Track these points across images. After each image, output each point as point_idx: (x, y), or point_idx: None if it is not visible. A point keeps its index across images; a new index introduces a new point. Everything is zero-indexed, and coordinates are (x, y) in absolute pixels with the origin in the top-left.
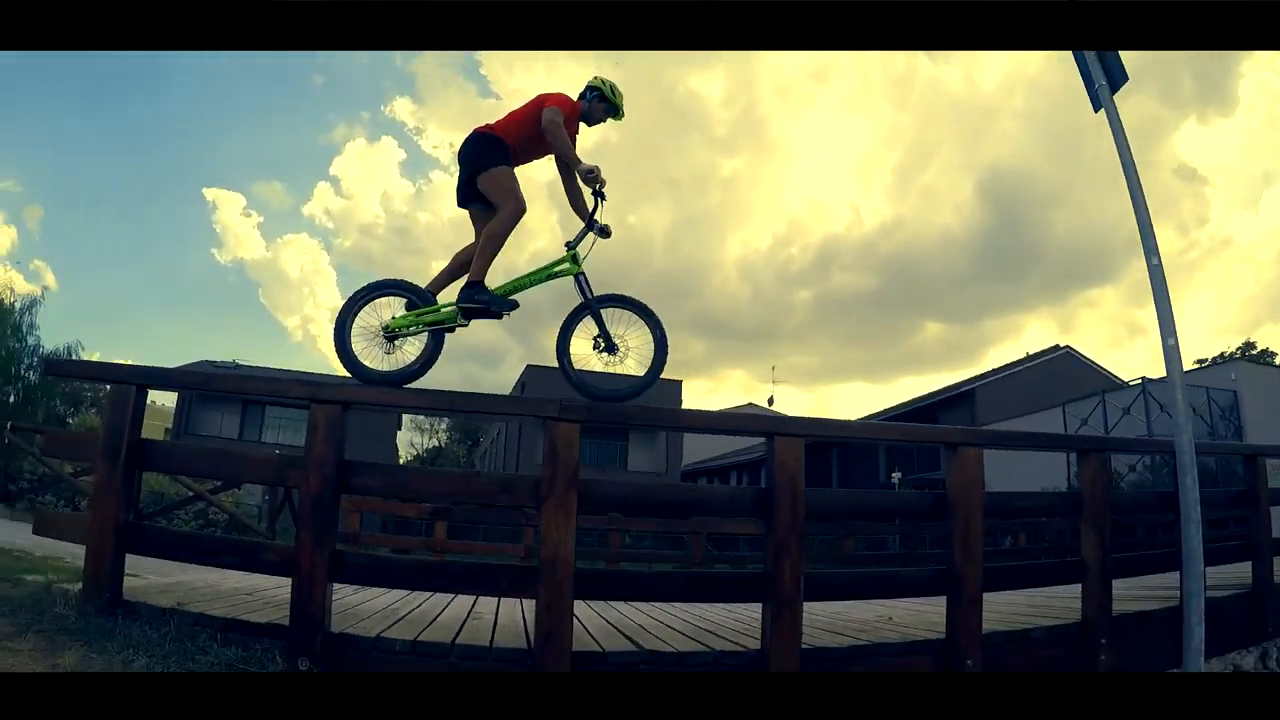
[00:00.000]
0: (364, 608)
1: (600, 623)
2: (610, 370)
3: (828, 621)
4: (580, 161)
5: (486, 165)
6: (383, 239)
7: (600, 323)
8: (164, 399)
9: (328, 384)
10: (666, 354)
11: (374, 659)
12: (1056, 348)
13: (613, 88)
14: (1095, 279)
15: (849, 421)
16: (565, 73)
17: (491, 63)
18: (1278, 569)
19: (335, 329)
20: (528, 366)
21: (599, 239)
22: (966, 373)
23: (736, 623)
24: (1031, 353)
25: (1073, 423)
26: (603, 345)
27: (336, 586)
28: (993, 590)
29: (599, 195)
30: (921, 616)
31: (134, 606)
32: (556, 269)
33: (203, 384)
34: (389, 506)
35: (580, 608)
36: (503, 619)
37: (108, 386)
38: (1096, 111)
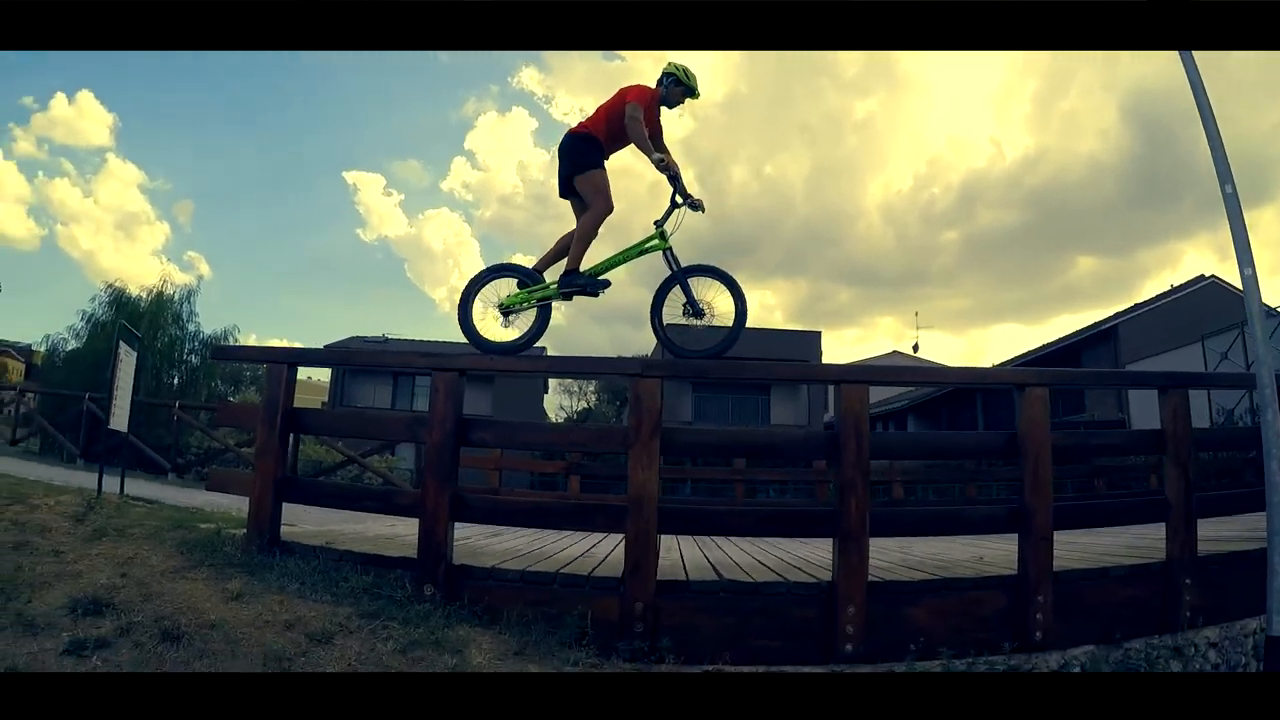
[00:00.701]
0: (490, 549)
1: (700, 559)
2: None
3: (918, 560)
4: (652, 152)
5: (583, 167)
6: (522, 207)
7: (687, 291)
8: (319, 374)
9: (446, 354)
10: (746, 314)
11: (489, 586)
12: (1201, 278)
13: (686, 71)
14: (1253, 199)
15: (916, 366)
16: None
17: None
18: None
19: (459, 307)
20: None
21: (691, 213)
22: (1122, 307)
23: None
24: (1176, 284)
25: (1212, 357)
26: (690, 310)
27: (476, 533)
28: (1067, 528)
29: (672, 180)
30: (1012, 556)
31: (289, 546)
32: (647, 245)
33: (344, 359)
34: (532, 465)
35: (686, 547)
36: (612, 558)
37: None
38: None
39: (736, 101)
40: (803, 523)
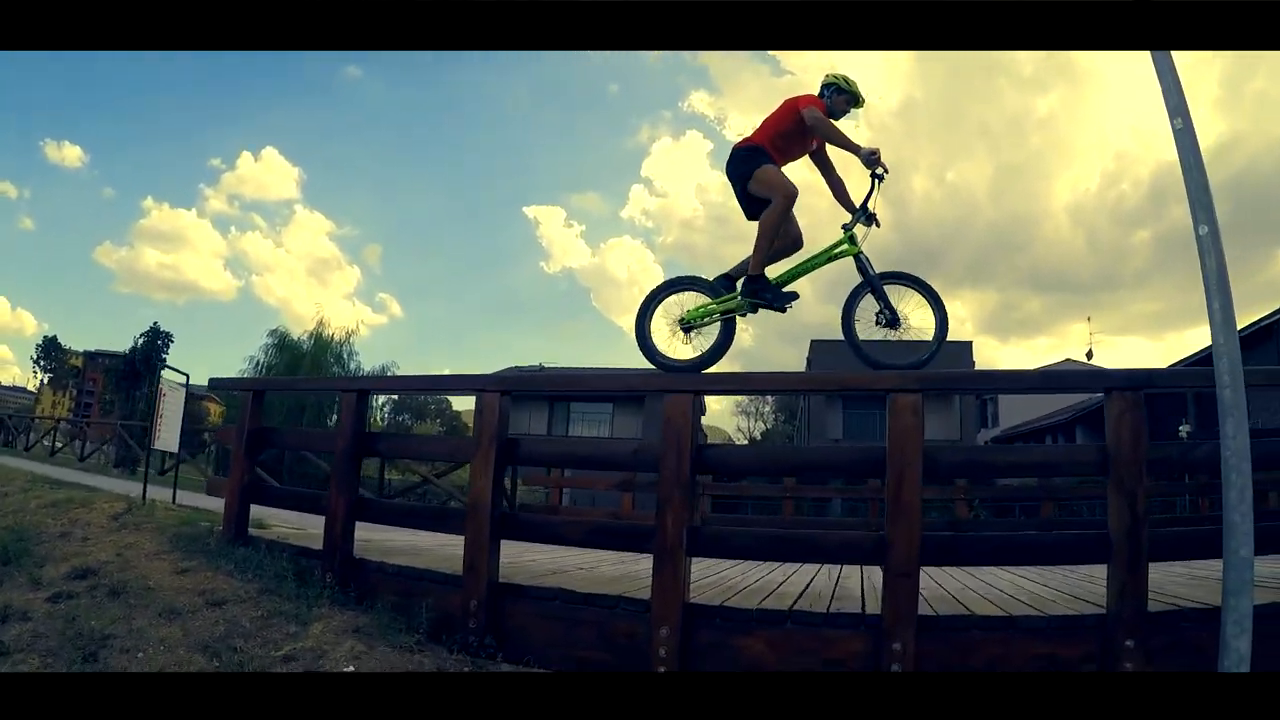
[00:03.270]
0: (434, 553)
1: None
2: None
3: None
4: (860, 147)
5: (752, 169)
6: (704, 230)
7: (882, 298)
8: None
9: (359, 379)
10: (947, 326)
11: (375, 578)
12: None
13: (846, 79)
14: None
15: (757, 375)
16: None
17: None
18: None
19: (636, 323)
20: (813, 341)
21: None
22: None
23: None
24: None
25: None
26: (885, 319)
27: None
28: (938, 564)
29: (877, 178)
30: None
31: (252, 539)
32: (836, 251)
33: (317, 385)
34: (580, 482)
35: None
36: (540, 565)
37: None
38: None
39: (912, 108)
40: (625, 537)
